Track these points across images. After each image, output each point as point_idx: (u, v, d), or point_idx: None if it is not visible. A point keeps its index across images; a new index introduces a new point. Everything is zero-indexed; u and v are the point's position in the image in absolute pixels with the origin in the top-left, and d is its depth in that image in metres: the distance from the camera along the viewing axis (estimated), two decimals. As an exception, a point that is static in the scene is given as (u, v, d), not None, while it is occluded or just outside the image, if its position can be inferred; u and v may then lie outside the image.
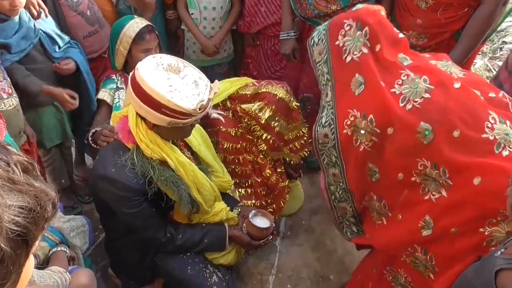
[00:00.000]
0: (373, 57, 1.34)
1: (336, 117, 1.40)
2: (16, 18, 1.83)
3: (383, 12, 1.39)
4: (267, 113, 1.89)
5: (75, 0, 2.13)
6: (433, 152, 1.20)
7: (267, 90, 1.94)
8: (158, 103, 1.36)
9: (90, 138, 1.83)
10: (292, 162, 2.08)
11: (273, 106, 1.89)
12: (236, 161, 1.95)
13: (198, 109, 1.39)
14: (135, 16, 2.16)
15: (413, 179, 1.26)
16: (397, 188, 1.31)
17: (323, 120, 1.44)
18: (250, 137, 1.95)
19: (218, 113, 1.90)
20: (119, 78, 2.15)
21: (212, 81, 1.50)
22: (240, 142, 1.93)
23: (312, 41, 1.48)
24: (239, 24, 2.56)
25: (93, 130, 1.84)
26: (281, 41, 2.28)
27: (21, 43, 1.85)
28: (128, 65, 2.12)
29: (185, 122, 1.42)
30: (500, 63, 3.45)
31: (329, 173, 1.47)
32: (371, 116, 1.31)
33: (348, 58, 1.37)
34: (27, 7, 1.87)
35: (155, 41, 2.10)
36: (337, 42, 1.40)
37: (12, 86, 1.80)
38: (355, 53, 1.36)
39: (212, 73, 2.63)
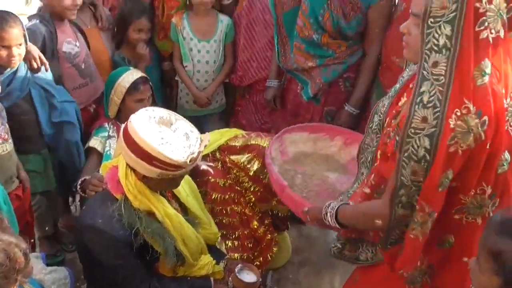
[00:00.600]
0: (506, 45, 1.09)
1: (448, 99, 1.07)
2: (13, 69, 1.86)
3: None
4: (255, 165, 1.92)
5: (73, 52, 2.20)
6: None
7: (256, 142, 1.99)
8: (149, 155, 1.39)
9: (78, 186, 1.83)
10: (279, 214, 2.09)
11: (262, 159, 1.94)
12: (224, 212, 1.96)
13: (188, 162, 1.42)
14: (131, 68, 2.24)
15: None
16: None
17: (425, 98, 1.09)
18: (238, 188, 1.97)
19: (208, 165, 1.93)
20: (111, 126, 2.19)
21: (203, 130, 1.54)
22: (229, 193, 1.95)
23: None
24: (231, 77, 2.66)
25: (82, 178, 1.85)
26: (266, 87, 2.44)
27: (12, 93, 1.87)
28: (121, 114, 2.18)
29: (175, 174, 1.44)
30: None
31: (406, 170, 1.14)
32: (485, 117, 1.08)
33: (484, 34, 1.05)
34: (27, 59, 1.91)
35: (149, 92, 2.17)
36: (478, 4, 1.04)
37: (9, 132, 1.82)
38: (492, 31, 1.06)
39: (204, 122, 2.70)
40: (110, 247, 1.46)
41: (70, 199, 2.57)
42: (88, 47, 2.34)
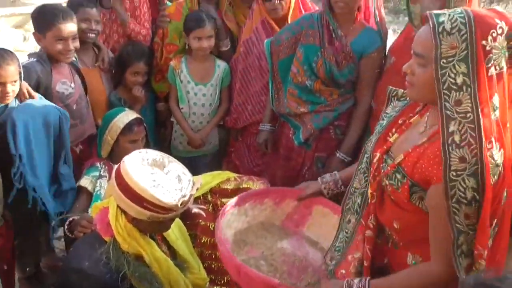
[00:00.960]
0: (505, 81, 1.12)
1: (482, 134, 1.08)
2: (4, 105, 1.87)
3: None
4: (246, 209, 1.91)
5: (66, 93, 2.21)
6: None
7: (248, 185, 2.00)
8: (140, 197, 1.39)
9: (66, 227, 1.80)
10: (269, 260, 2.06)
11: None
12: (213, 256, 1.93)
13: (179, 205, 1.42)
14: (126, 109, 2.28)
15: None
16: None
17: (457, 138, 1.08)
18: (228, 232, 1.95)
19: (199, 208, 1.92)
20: (103, 166, 2.19)
21: (196, 171, 1.55)
22: (218, 237, 1.93)
23: (441, 27, 1.09)
24: (226, 120, 2.71)
25: (71, 219, 1.82)
26: (259, 130, 2.48)
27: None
28: (114, 154, 2.18)
29: (165, 217, 1.44)
30: None
31: (459, 216, 1.10)
32: (502, 151, 1.11)
33: (492, 70, 1.09)
34: (18, 95, 1.93)
35: (142, 133, 2.20)
36: (484, 42, 1.07)
37: None
38: (497, 68, 1.10)
39: (197, 163, 2.71)
40: (96, 291, 1.42)
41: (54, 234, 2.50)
42: (85, 88, 2.36)
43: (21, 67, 1.92)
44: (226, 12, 2.62)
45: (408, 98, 1.37)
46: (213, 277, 1.92)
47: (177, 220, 1.74)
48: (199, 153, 2.78)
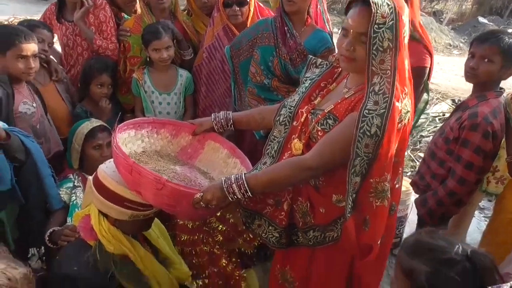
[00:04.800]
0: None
1: (393, 87, 1.36)
2: None
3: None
4: (221, 205, 2.02)
5: (29, 113, 2.21)
6: None
7: None
8: (121, 197, 1.50)
9: (47, 238, 1.85)
10: (246, 252, 2.19)
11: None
12: (193, 252, 2.03)
13: None
14: (91, 118, 2.35)
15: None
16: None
17: (377, 88, 1.37)
18: (206, 228, 2.06)
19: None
20: (76, 177, 2.24)
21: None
22: (197, 234, 2.04)
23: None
24: None
25: (51, 230, 1.87)
26: None
27: None
28: (84, 164, 2.25)
29: (145, 214, 1.55)
30: (421, 154, 3.94)
31: (361, 143, 1.37)
32: (410, 100, 1.44)
33: (406, 40, 1.39)
34: None
35: (107, 139, 2.24)
36: (403, 17, 1.36)
37: None
38: (406, 38, 1.39)
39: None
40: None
41: (32, 252, 2.49)
42: (44, 106, 2.36)
43: None
44: (185, 21, 2.73)
45: (339, 69, 1.62)
46: (194, 272, 2.02)
47: (157, 221, 1.84)
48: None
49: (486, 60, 1.97)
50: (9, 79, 2.13)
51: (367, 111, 1.36)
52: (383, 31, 1.33)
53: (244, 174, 1.50)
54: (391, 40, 1.34)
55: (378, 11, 1.32)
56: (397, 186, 1.54)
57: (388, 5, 1.34)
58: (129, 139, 1.79)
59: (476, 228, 3.31)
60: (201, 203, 1.46)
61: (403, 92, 1.39)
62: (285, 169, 1.48)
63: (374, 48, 1.35)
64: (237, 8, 2.49)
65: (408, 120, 1.43)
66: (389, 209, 1.50)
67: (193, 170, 1.85)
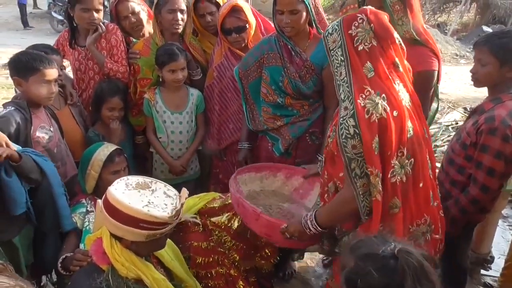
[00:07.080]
0: (380, 51, 1.60)
1: (352, 89, 1.56)
2: None
3: (385, 16, 1.66)
4: (236, 223, 1.99)
5: (46, 137, 2.23)
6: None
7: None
8: (136, 219, 1.46)
9: (60, 265, 1.82)
10: (264, 271, 2.12)
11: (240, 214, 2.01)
12: (209, 275, 1.98)
13: (173, 217, 1.50)
14: (105, 142, 2.34)
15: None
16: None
17: (342, 96, 1.60)
18: (221, 249, 2.01)
19: (192, 217, 1.99)
20: (89, 201, 2.22)
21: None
22: (212, 256, 1.99)
23: (327, 32, 1.66)
24: (207, 143, 2.79)
25: (63, 256, 1.84)
26: (239, 149, 2.57)
27: None
28: (99, 188, 2.22)
29: (162, 232, 1.51)
30: (438, 164, 3.83)
31: (348, 147, 1.54)
32: (383, 95, 1.55)
33: (360, 47, 1.59)
34: None
35: (124, 163, 2.25)
36: (350, 31, 1.60)
37: None
38: (366, 43, 1.59)
39: (180, 190, 2.74)
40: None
41: (44, 280, 2.47)
42: (61, 130, 2.39)
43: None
44: (191, 42, 2.75)
45: None
46: (210, 295, 1.97)
47: (170, 242, 1.80)
48: (181, 180, 2.83)
49: (481, 63, 1.96)
50: (27, 104, 2.17)
51: (342, 118, 1.56)
52: (335, 51, 1.63)
53: (316, 210, 1.72)
54: (342, 54, 1.61)
55: (329, 40, 1.65)
56: (393, 180, 1.56)
57: (336, 29, 1.62)
58: (249, 180, 2.22)
59: (501, 237, 3.18)
60: (286, 234, 1.74)
61: (364, 90, 1.55)
62: (334, 203, 1.69)
63: (334, 66, 1.63)
64: (237, 35, 2.50)
65: (385, 110, 1.52)
66: (388, 206, 1.56)
67: (301, 207, 2.14)
